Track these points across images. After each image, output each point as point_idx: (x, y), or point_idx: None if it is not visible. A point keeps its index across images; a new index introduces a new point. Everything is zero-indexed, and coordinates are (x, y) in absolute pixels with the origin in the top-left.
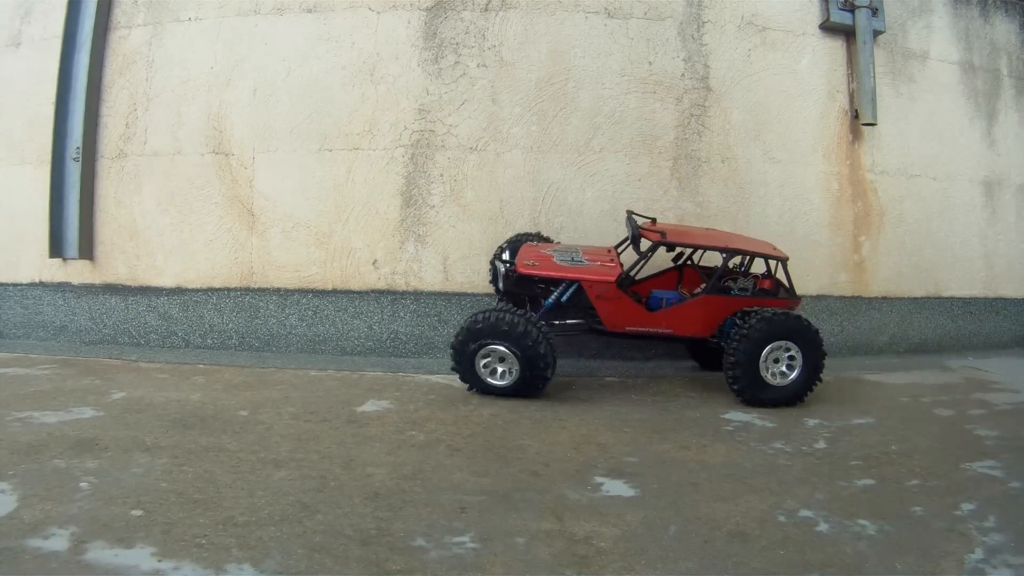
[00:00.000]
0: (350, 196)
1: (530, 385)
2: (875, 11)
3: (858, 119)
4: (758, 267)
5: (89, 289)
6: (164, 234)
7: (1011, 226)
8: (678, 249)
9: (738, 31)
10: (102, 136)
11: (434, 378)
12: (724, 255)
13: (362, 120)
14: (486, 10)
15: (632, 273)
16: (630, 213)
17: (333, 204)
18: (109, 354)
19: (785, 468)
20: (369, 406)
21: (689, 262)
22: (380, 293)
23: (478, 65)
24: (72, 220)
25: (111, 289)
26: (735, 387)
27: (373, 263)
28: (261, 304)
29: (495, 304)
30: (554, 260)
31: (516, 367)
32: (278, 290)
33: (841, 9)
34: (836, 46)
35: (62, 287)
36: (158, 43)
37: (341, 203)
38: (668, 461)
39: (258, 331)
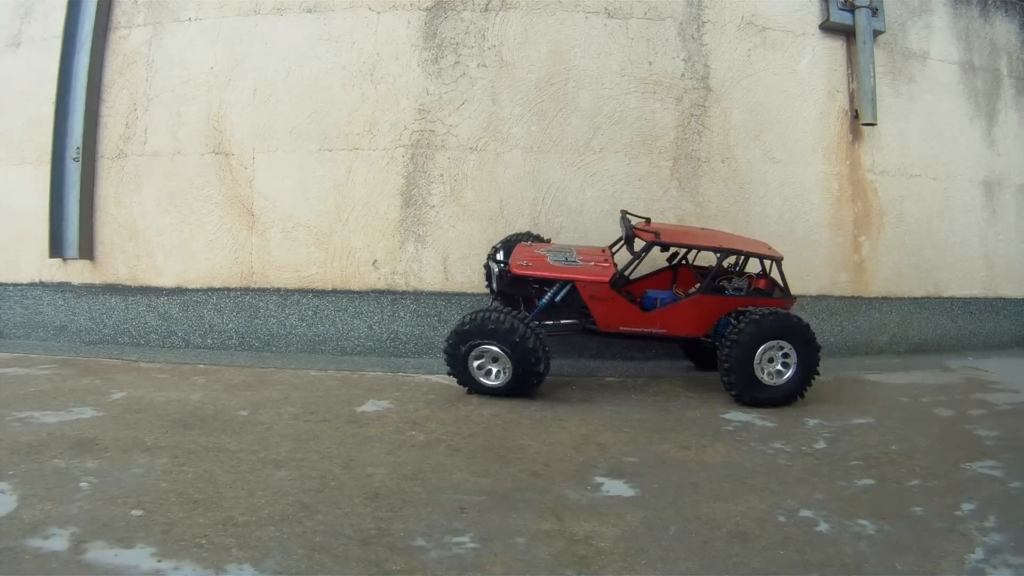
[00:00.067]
0: (350, 196)
1: (524, 383)
2: (875, 11)
3: (858, 119)
4: (754, 267)
5: (89, 289)
6: (164, 234)
7: (1011, 226)
8: (672, 249)
9: (738, 31)
10: (102, 136)
11: (434, 378)
12: (718, 255)
13: (362, 120)
14: (486, 10)
15: (626, 273)
16: (624, 213)
17: (333, 204)
18: (109, 354)
19: (785, 468)
20: (369, 406)
21: (684, 262)
22: (380, 293)
23: (478, 65)
24: (72, 220)
25: (111, 289)
26: (730, 387)
27: (373, 263)
28: (261, 304)
29: (490, 304)
30: (548, 260)
31: (508, 366)
32: (278, 290)
33: (841, 9)
34: (836, 46)
35: (62, 287)
36: (158, 43)
37: (341, 203)
38: (668, 461)
39: (258, 331)
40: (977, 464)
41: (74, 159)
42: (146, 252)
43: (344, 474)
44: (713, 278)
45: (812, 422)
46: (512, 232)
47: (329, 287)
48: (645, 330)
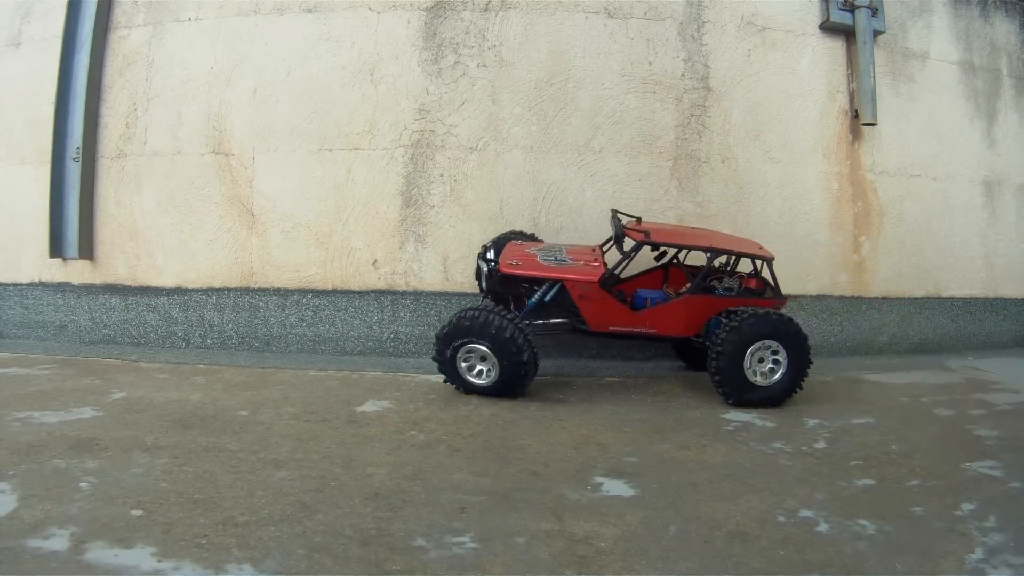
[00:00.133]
0: (350, 196)
1: (512, 380)
2: (875, 11)
3: (858, 119)
4: (746, 267)
5: (89, 289)
6: (164, 234)
7: (1011, 226)
8: (662, 248)
9: (738, 31)
10: (102, 136)
11: (434, 378)
12: (708, 254)
13: (362, 120)
14: (486, 10)
15: (616, 272)
16: (614, 212)
17: (333, 204)
18: (109, 354)
19: (785, 468)
20: (369, 406)
21: (675, 261)
22: (380, 293)
23: (478, 65)
24: (72, 220)
25: (111, 289)
26: (720, 388)
27: (373, 263)
28: (261, 304)
29: (480, 303)
30: (537, 259)
31: (495, 361)
32: (278, 290)
33: (841, 9)
34: (836, 46)
35: (62, 287)
36: (158, 43)
37: (341, 203)
38: (668, 461)
39: (258, 331)
40: (977, 464)
41: (74, 159)
42: (146, 252)
43: (344, 474)
44: (703, 278)
45: (812, 422)
46: (508, 231)
47: (329, 287)
48: (635, 330)
